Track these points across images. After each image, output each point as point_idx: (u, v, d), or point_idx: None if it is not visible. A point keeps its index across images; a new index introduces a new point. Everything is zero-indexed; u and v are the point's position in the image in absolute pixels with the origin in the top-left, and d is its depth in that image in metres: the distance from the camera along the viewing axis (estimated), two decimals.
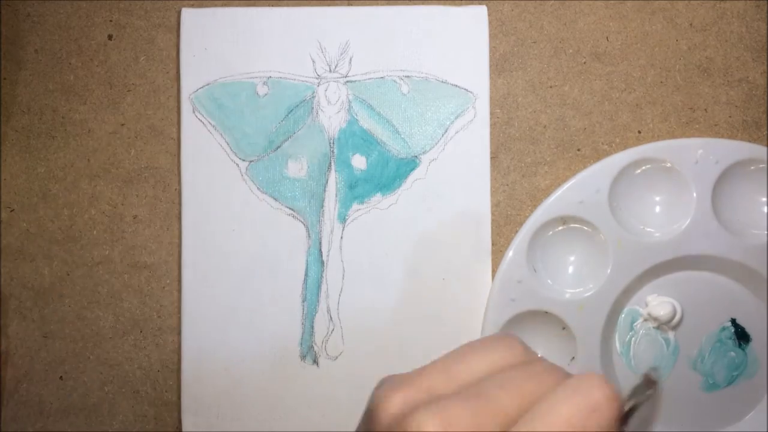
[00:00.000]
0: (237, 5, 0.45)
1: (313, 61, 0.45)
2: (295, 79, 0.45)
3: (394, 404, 0.27)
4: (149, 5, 0.46)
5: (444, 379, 0.28)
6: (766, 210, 0.45)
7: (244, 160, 0.45)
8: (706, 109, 0.46)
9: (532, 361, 0.29)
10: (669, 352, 0.44)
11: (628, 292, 0.44)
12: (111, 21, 0.46)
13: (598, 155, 0.45)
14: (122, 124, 0.45)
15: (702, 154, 0.43)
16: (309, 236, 0.44)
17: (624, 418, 0.29)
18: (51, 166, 0.45)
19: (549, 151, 0.45)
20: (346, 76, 0.45)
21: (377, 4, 0.46)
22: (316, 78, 0.45)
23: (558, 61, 0.46)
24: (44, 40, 0.45)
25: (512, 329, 0.44)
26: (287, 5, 0.46)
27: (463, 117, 0.45)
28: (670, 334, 0.44)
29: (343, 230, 0.44)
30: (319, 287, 0.44)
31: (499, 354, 0.30)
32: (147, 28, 0.46)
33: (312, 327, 0.44)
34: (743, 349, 0.45)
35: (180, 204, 0.45)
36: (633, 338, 0.45)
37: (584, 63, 0.46)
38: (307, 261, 0.44)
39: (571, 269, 0.44)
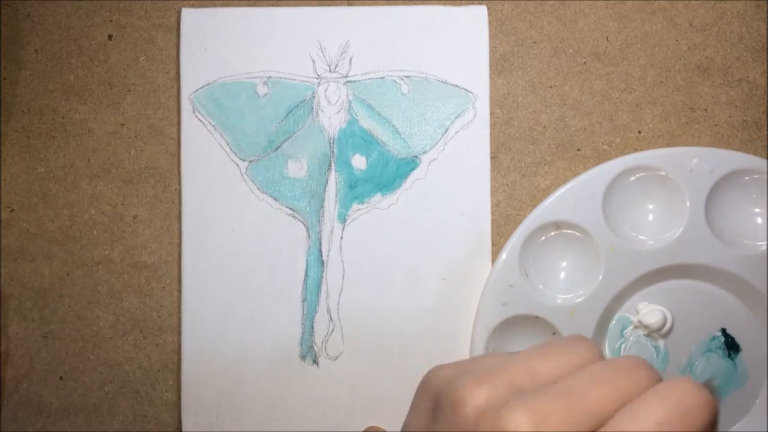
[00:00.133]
0: (237, 5, 0.45)
1: (313, 61, 0.45)
2: (295, 79, 0.45)
3: (480, 397, 0.26)
4: (149, 5, 0.46)
5: (527, 374, 0.27)
6: (759, 221, 0.45)
7: (244, 160, 0.45)
8: (706, 109, 0.46)
9: (614, 359, 0.28)
10: (659, 360, 0.44)
11: (619, 299, 0.44)
12: (111, 21, 0.46)
13: (598, 155, 0.45)
14: (122, 124, 0.45)
15: (697, 163, 0.43)
16: (309, 236, 0.44)
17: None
18: (51, 166, 0.45)
19: (549, 151, 0.45)
20: (346, 76, 0.45)
21: (377, 4, 0.46)
22: (316, 78, 0.45)
23: (558, 61, 0.46)
24: (44, 40, 0.45)
25: (503, 333, 0.44)
26: (287, 5, 0.46)
27: (463, 117, 0.45)
28: (661, 342, 0.45)
29: (343, 230, 0.44)
30: (319, 287, 0.44)
31: (579, 353, 0.28)
32: (147, 28, 0.46)
33: (312, 327, 0.44)
34: (733, 359, 0.45)
35: (180, 204, 0.45)
36: (623, 345, 0.45)
37: (584, 63, 0.46)
38: (307, 261, 0.44)
39: (563, 275, 0.44)
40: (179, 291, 0.44)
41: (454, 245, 0.44)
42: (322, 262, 0.44)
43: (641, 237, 0.44)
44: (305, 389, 0.44)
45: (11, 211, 0.45)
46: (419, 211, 0.45)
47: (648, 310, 0.44)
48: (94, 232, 0.45)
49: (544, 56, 0.46)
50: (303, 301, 0.44)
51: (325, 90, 0.45)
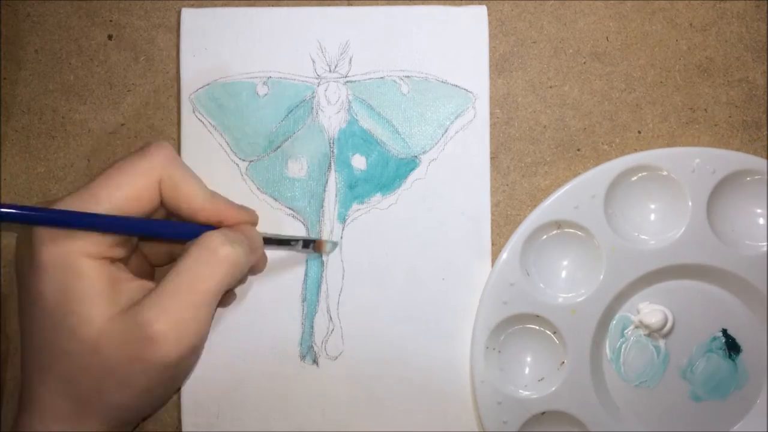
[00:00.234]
0: (237, 5, 0.45)
1: (313, 61, 0.45)
2: (295, 79, 0.45)
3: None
4: (149, 5, 0.46)
5: None
6: (761, 221, 0.45)
7: (244, 160, 0.45)
8: (706, 109, 0.46)
9: None
10: (659, 361, 0.44)
11: (620, 299, 0.44)
12: (111, 21, 0.46)
13: (598, 155, 0.45)
14: (122, 124, 0.45)
15: (699, 163, 0.43)
16: (309, 236, 0.44)
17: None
18: (51, 166, 0.45)
19: (549, 151, 0.45)
20: (346, 76, 0.45)
21: (377, 4, 0.46)
22: (316, 78, 0.45)
23: (558, 61, 0.46)
24: (44, 40, 0.45)
25: (504, 332, 0.44)
26: (287, 5, 0.46)
27: (463, 117, 0.45)
28: (661, 342, 0.45)
29: (343, 230, 0.44)
30: (319, 287, 0.44)
31: None
32: (147, 28, 0.46)
33: (312, 327, 0.44)
34: (733, 360, 0.45)
35: None
36: (623, 345, 0.45)
37: (584, 63, 0.46)
38: (307, 261, 0.44)
39: (564, 274, 0.44)
40: None
41: (454, 245, 0.44)
42: (322, 262, 0.44)
43: (643, 237, 0.44)
44: (305, 389, 0.44)
45: None
46: (419, 211, 0.45)
47: (649, 310, 0.44)
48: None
49: (544, 56, 0.46)
50: (303, 301, 0.44)
51: (325, 90, 0.45)
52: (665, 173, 0.44)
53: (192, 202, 0.37)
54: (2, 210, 0.33)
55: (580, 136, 0.46)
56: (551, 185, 0.45)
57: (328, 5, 0.45)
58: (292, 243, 0.42)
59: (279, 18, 0.45)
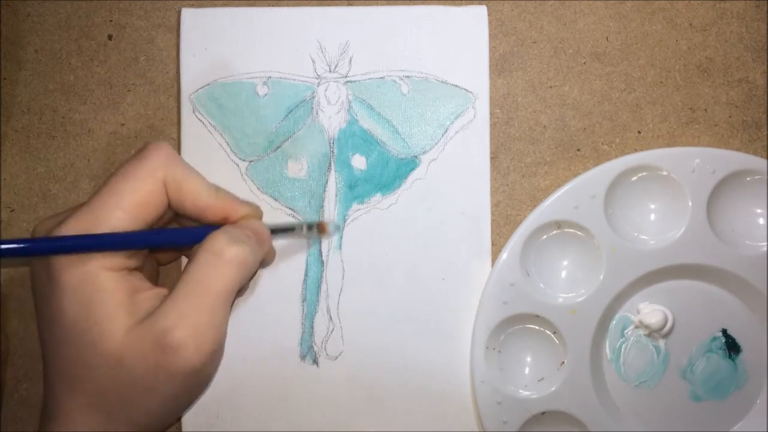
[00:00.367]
0: (237, 5, 0.45)
1: (313, 61, 0.45)
2: (295, 79, 0.45)
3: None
4: (149, 5, 0.46)
5: None
6: (761, 221, 0.45)
7: (244, 160, 0.45)
8: (706, 109, 0.46)
9: None
10: (659, 361, 0.44)
11: (620, 299, 0.44)
12: (111, 21, 0.46)
13: (598, 155, 0.45)
14: (122, 124, 0.45)
15: (699, 163, 0.43)
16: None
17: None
18: (51, 166, 0.45)
19: (549, 151, 0.45)
20: (346, 77, 0.45)
21: (377, 4, 0.46)
22: (316, 78, 0.45)
23: (558, 61, 0.46)
24: (44, 40, 0.45)
25: (503, 332, 0.44)
26: (287, 5, 0.46)
27: (463, 117, 0.45)
28: (661, 343, 0.45)
29: (343, 230, 0.44)
30: (319, 287, 0.44)
31: None
32: (147, 28, 0.46)
33: (312, 327, 0.44)
34: (733, 360, 0.45)
35: None
36: (623, 345, 0.45)
37: (584, 63, 0.46)
38: (307, 261, 0.44)
39: (564, 274, 0.44)
40: None
41: (454, 245, 0.44)
42: (322, 262, 0.44)
43: (643, 237, 0.44)
44: (305, 389, 0.44)
45: (11, 211, 0.45)
46: (419, 211, 0.45)
47: (649, 310, 0.44)
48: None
49: (544, 56, 0.46)
50: (303, 301, 0.44)
51: (325, 90, 0.45)
52: (665, 173, 0.44)
53: (197, 200, 0.37)
54: (18, 246, 0.34)
55: (580, 136, 0.46)
56: (551, 185, 0.45)
57: (328, 5, 0.45)
58: (297, 229, 0.42)
59: (279, 18, 0.45)
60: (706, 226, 0.43)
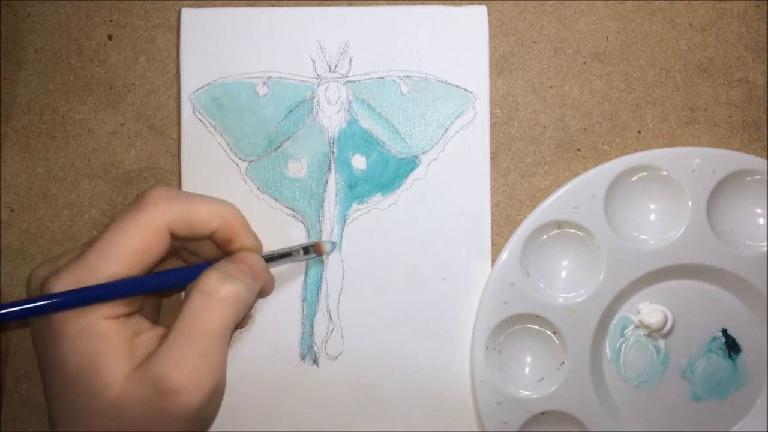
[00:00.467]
0: (237, 5, 0.45)
1: (313, 61, 0.45)
2: (295, 79, 0.45)
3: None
4: (149, 5, 0.46)
5: None
6: (761, 221, 0.45)
7: (244, 160, 0.45)
8: (706, 109, 0.46)
9: None
10: (659, 361, 0.44)
11: (620, 299, 0.44)
12: (111, 21, 0.46)
13: (598, 155, 0.45)
14: (122, 124, 0.45)
15: (699, 163, 0.43)
16: (309, 236, 0.44)
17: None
18: (51, 166, 0.45)
19: (549, 151, 0.45)
20: (346, 76, 0.45)
21: (377, 4, 0.46)
22: (316, 78, 0.45)
23: (558, 61, 0.46)
24: (44, 40, 0.45)
25: (503, 332, 0.44)
26: (287, 5, 0.46)
27: (463, 117, 0.45)
28: (661, 342, 0.45)
29: (343, 230, 0.44)
30: (319, 287, 0.44)
31: None
32: (147, 28, 0.46)
33: (312, 327, 0.44)
34: (733, 360, 0.45)
35: None
36: (623, 345, 0.45)
37: (584, 63, 0.46)
38: (307, 261, 0.44)
39: (564, 274, 0.44)
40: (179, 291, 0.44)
41: (454, 245, 0.44)
42: (322, 262, 0.44)
43: (643, 237, 0.44)
44: (305, 389, 0.44)
45: (11, 211, 0.45)
46: (419, 211, 0.45)
47: (649, 310, 0.44)
48: (94, 232, 0.45)
49: (544, 56, 0.46)
50: (303, 301, 0.44)
51: (325, 90, 0.45)
52: (665, 173, 0.44)
53: (210, 224, 0.37)
54: (17, 309, 0.34)
55: (580, 136, 0.46)
56: (551, 185, 0.45)
57: (328, 5, 0.45)
58: (293, 253, 0.42)
59: (279, 18, 0.45)
60: (706, 226, 0.43)
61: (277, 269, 0.44)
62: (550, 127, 0.45)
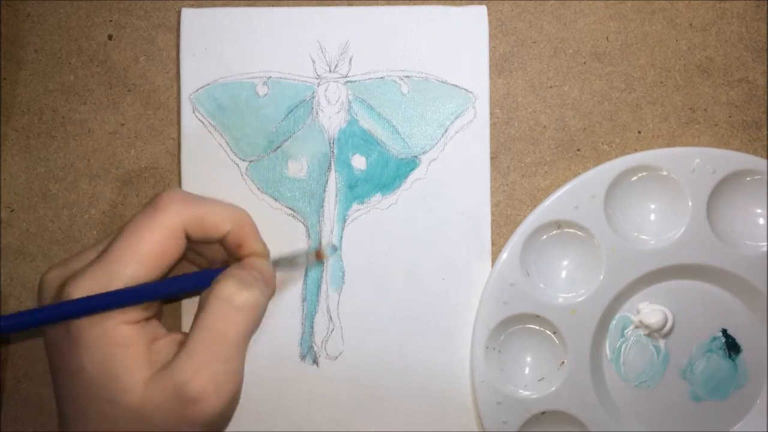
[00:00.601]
0: (237, 5, 0.45)
1: (313, 61, 0.45)
2: (295, 79, 0.45)
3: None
4: (149, 5, 0.46)
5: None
6: (761, 221, 0.45)
7: (244, 160, 0.45)
8: (706, 109, 0.46)
9: None
10: (659, 361, 0.44)
11: (620, 299, 0.44)
12: (111, 21, 0.46)
13: (598, 155, 0.45)
14: (122, 124, 0.45)
15: (699, 163, 0.43)
16: (309, 236, 0.44)
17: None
18: (51, 166, 0.45)
19: (549, 151, 0.45)
20: (346, 77, 0.45)
21: (377, 4, 0.46)
22: (316, 78, 0.45)
23: (558, 61, 0.46)
24: (44, 40, 0.45)
25: (504, 332, 0.44)
26: (287, 5, 0.46)
27: (463, 117, 0.45)
28: (661, 342, 0.45)
29: (343, 230, 0.44)
30: (319, 287, 0.44)
31: None
32: (147, 28, 0.46)
33: (312, 327, 0.44)
34: (733, 360, 0.45)
35: None
36: (623, 345, 0.45)
37: (584, 63, 0.46)
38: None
39: (564, 274, 0.44)
40: None
41: (454, 245, 0.44)
42: (322, 262, 0.44)
43: (643, 237, 0.44)
44: (305, 389, 0.44)
45: (11, 211, 0.45)
46: (419, 211, 0.45)
47: (649, 310, 0.44)
48: (94, 232, 0.45)
49: (544, 56, 0.46)
50: (303, 301, 0.44)
51: (325, 90, 0.45)
52: (665, 173, 0.44)
53: (221, 228, 0.37)
54: (39, 315, 0.34)
55: (580, 136, 0.46)
56: (551, 185, 0.45)
57: (328, 5, 0.45)
58: (297, 258, 0.41)
59: (279, 18, 0.45)
60: (706, 226, 0.43)
61: (278, 274, 0.44)
62: (550, 127, 0.45)
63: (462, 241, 0.44)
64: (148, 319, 0.36)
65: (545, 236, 0.44)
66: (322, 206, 0.45)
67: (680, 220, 0.44)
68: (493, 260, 0.44)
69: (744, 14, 0.46)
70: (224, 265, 0.38)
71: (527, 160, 0.45)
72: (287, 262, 0.41)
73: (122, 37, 0.46)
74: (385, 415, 0.44)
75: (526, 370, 0.44)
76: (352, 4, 0.46)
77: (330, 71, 0.45)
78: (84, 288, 0.34)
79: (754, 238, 0.44)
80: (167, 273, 0.36)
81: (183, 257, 0.39)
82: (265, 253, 0.39)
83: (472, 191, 0.45)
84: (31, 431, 0.44)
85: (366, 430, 0.44)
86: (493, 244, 0.44)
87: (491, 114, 0.45)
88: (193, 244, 0.38)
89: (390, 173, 0.45)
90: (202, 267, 0.40)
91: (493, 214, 0.45)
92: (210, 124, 0.45)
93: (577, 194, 0.43)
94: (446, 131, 0.45)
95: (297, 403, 0.44)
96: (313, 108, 0.45)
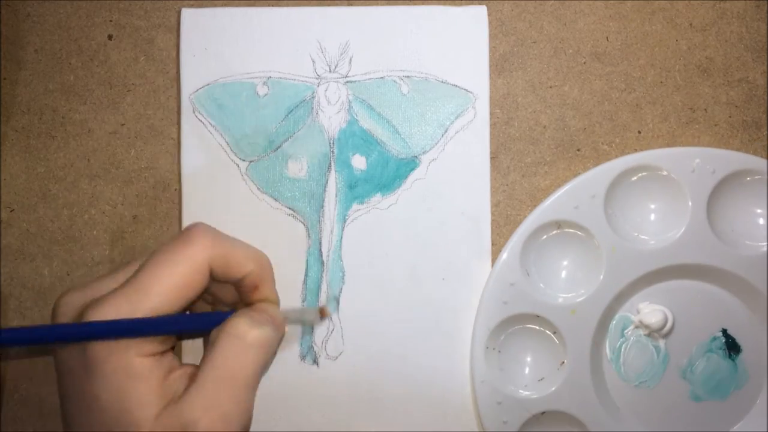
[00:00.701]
0: (237, 5, 0.45)
1: (313, 61, 0.45)
2: (295, 80, 0.45)
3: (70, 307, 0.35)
4: (149, 5, 0.46)
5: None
6: (761, 221, 0.45)
7: (244, 160, 0.45)
8: (706, 109, 0.46)
9: None
10: (659, 361, 0.44)
11: (620, 299, 0.44)
12: (111, 21, 0.46)
13: (598, 155, 0.45)
14: (122, 124, 0.45)
15: (699, 163, 0.43)
16: (309, 236, 0.44)
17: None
18: (51, 166, 0.45)
19: (549, 151, 0.45)
20: (346, 77, 0.45)
21: (377, 4, 0.46)
22: (316, 78, 0.45)
23: (558, 61, 0.46)
24: (44, 40, 0.45)
25: (503, 332, 0.44)
26: (287, 5, 0.46)
27: (463, 117, 0.45)
28: (661, 342, 0.45)
29: (343, 230, 0.44)
30: (319, 287, 0.44)
31: None
32: (147, 28, 0.46)
33: (312, 327, 0.44)
34: (733, 360, 0.45)
35: (180, 204, 0.45)
36: (623, 345, 0.45)
37: (584, 63, 0.46)
38: (307, 261, 0.44)
39: (564, 274, 0.44)
40: None
41: (454, 245, 0.44)
42: (322, 262, 0.44)
43: (643, 237, 0.44)
44: (305, 389, 0.44)
45: (11, 211, 0.45)
46: (419, 211, 0.45)
47: (649, 310, 0.44)
48: (94, 232, 0.45)
49: (544, 56, 0.46)
50: (303, 301, 0.44)
51: (325, 90, 0.45)
52: (665, 173, 0.44)
53: (243, 268, 0.37)
54: (65, 330, 0.34)
55: (580, 136, 0.46)
56: (551, 185, 0.45)
57: (328, 5, 0.45)
58: (303, 317, 0.41)
59: (279, 18, 0.45)
60: (706, 226, 0.43)
61: (277, 269, 0.44)
62: (550, 127, 0.46)
63: (462, 241, 0.44)
64: (163, 353, 0.36)
65: (545, 236, 0.44)
66: (322, 206, 0.45)
67: (680, 220, 0.44)
68: (493, 260, 0.44)
69: (744, 14, 0.46)
70: (233, 309, 0.38)
71: (527, 160, 0.45)
72: (291, 319, 0.40)
73: (122, 37, 0.46)
74: (385, 415, 0.44)
75: (526, 370, 0.44)
76: (352, 4, 0.46)
77: (330, 71, 0.45)
78: (106, 315, 0.34)
79: (754, 238, 0.44)
80: (187, 307, 0.36)
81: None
82: (277, 301, 0.39)
83: (472, 191, 0.45)
84: (31, 431, 0.44)
85: (366, 430, 0.44)
86: (493, 244, 0.44)
87: (491, 114, 0.45)
88: (210, 282, 0.37)
89: (390, 173, 0.45)
90: (213, 307, 0.40)
91: (493, 214, 0.45)
92: (210, 124, 0.45)
93: (577, 194, 0.43)
94: (446, 131, 0.45)
95: (297, 403, 0.44)
96: (313, 108, 0.45)
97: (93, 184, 0.45)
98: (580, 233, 0.44)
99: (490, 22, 0.45)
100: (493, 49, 0.46)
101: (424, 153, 0.45)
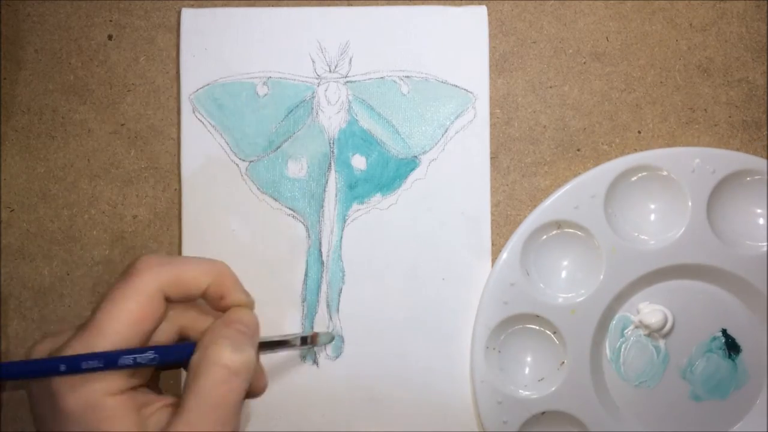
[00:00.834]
0: (237, 5, 0.45)
1: (313, 62, 0.45)
2: (295, 80, 0.45)
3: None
4: (149, 5, 0.46)
5: None
6: (761, 221, 0.45)
7: (244, 160, 0.45)
8: (706, 109, 0.46)
9: None
10: (659, 361, 0.44)
11: (620, 299, 0.44)
12: (111, 21, 0.46)
13: (598, 155, 0.45)
14: (122, 124, 0.45)
15: (699, 163, 0.43)
16: (309, 236, 0.44)
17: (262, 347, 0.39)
18: (51, 166, 0.45)
19: (549, 151, 0.45)
20: (346, 77, 0.45)
21: (377, 4, 0.46)
22: (316, 78, 0.45)
23: (558, 61, 0.46)
24: (44, 40, 0.45)
25: (503, 332, 0.44)
26: (287, 5, 0.46)
27: (463, 117, 0.45)
28: (661, 343, 0.45)
29: (343, 230, 0.44)
30: (319, 287, 0.44)
31: None
32: (147, 28, 0.46)
33: (312, 327, 0.44)
34: (733, 360, 0.45)
35: (180, 204, 0.45)
36: (623, 345, 0.45)
37: (584, 63, 0.46)
38: (307, 261, 0.44)
39: (564, 274, 0.44)
40: None
41: (454, 245, 0.44)
42: (322, 262, 0.44)
43: (643, 237, 0.44)
44: (305, 389, 0.44)
45: (11, 211, 0.45)
46: (419, 211, 0.45)
47: (649, 310, 0.44)
48: (94, 232, 0.45)
49: (544, 56, 0.46)
50: (303, 301, 0.44)
51: (325, 90, 0.45)
52: (665, 173, 0.44)
53: (200, 285, 0.37)
54: (19, 367, 0.34)
55: (580, 136, 0.46)
56: (551, 185, 0.45)
57: (328, 5, 0.45)
58: (292, 342, 0.41)
59: (279, 18, 0.45)
60: (706, 226, 0.43)
61: (277, 269, 0.44)
62: (550, 127, 0.46)
63: (462, 241, 0.44)
64: (135, 388, 0.35)
65: (545, 236, 0.44)
66: (322, 206, 0.45)
67: (680, 220, 0.44)
68: (493, 260, 0.44)
69: (744, 14, 0.46)
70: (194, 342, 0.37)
71: (527, 160, 0.45)
72: (278, 345, 0.41)
73: (122, 37, 0.46)
74: (385, 415, 0.44)
75: (526, 370, 0.44)
76: (352, 4, 0.46)
77: (330, 71, 0.45)
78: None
79: (754, 238, 0.44)
80: (149, 338, 0.36)
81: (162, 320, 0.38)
82: (249, 303, 0.38)
83: (472, 191, 0.45)
84: (30, 431, 0.44)
85: (366, 430, 0.44)
86: (493, 244, 0.44)
87: (491, 114, 0.45)
88: (173, 305, 0.37)
89: (390, 173, 0.45)
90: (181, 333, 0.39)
91: (493, 214, 0.45)
92: (210, 124, 0.45)
93: (577, 194, 0.43)
94: (446, 131, 0.45)
95: (297, 403, 0.44)
96: (313, 108, 0.45)
97: (93, 184, 0.45)
98: (580, 233, 0.44)
99: (490, 22, 0.45)
100: (493, 49, 0.46)
101: (424, 153, 0.45)
